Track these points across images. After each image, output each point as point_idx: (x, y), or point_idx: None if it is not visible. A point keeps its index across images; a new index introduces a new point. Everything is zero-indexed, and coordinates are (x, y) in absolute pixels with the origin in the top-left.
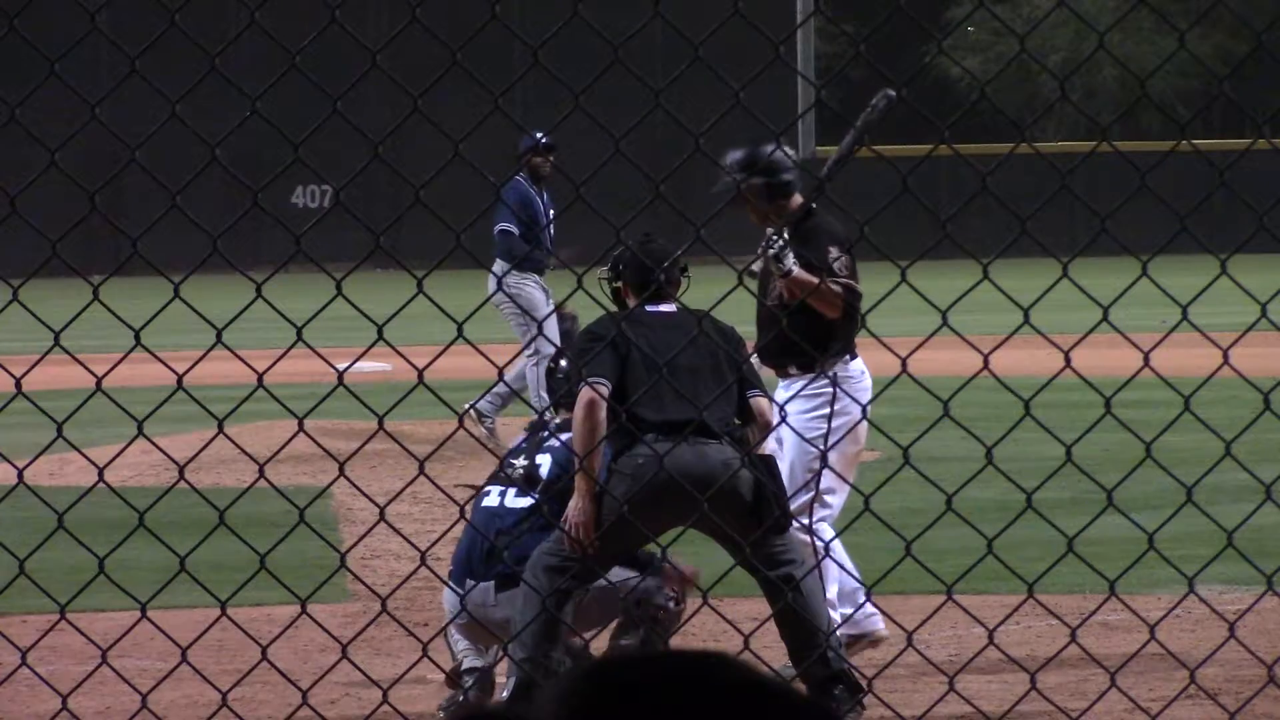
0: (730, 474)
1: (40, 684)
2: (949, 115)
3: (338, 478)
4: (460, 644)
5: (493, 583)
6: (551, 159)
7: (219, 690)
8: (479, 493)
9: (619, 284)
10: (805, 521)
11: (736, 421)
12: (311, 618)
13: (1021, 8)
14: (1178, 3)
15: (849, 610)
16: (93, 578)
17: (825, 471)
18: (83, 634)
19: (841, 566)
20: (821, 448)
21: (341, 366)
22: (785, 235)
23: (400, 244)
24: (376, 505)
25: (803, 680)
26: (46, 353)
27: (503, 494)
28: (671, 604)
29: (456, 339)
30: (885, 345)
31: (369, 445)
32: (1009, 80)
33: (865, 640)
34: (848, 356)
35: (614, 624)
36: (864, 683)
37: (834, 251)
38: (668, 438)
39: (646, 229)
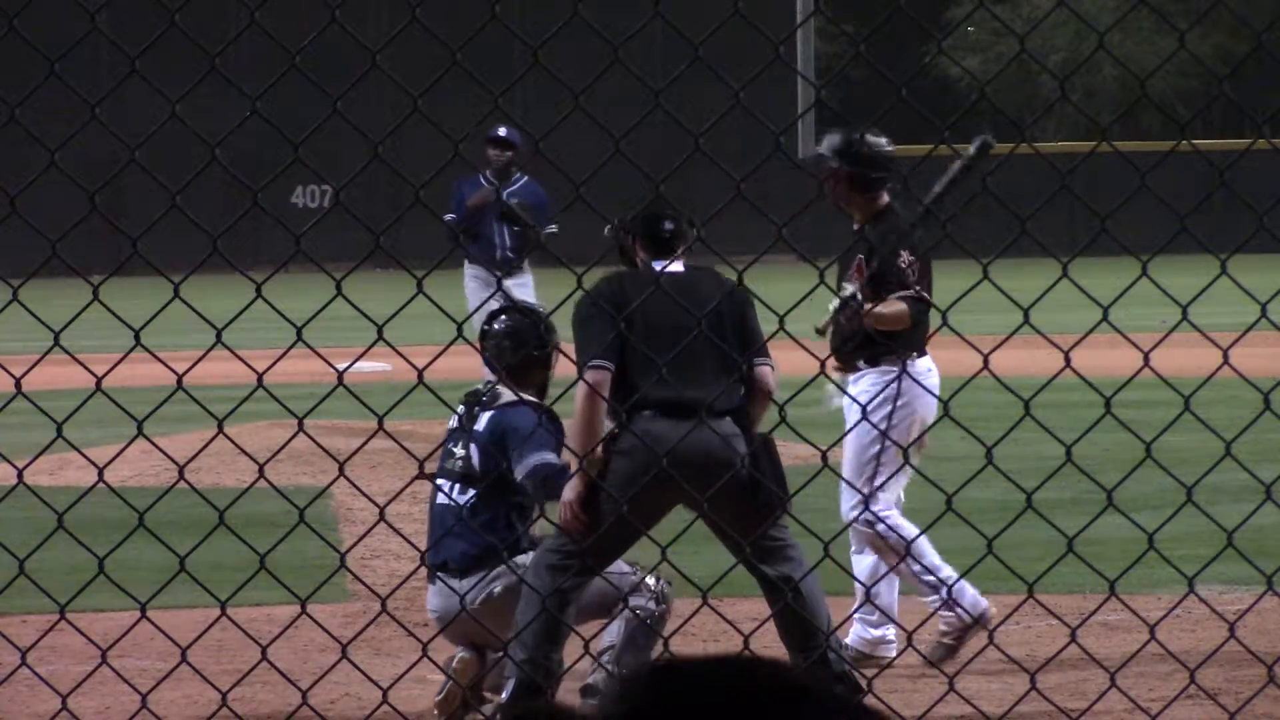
0: (730, 451)
1: (40, 684)
2: (949, 115)
3: (338, 478)
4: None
5: (453, 580)
6: (505, 153)
7: (219, 690)
8: (435, 483)
9: (628, 239)
10: (871, 515)
11: (741, 391)
12: (311, 618)
13: (1021, 8)
14: (1178, 3)
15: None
16: (93, 578)
17: (883, 468)
18: (83, 634)
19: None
20: (878, 447)
21: (341, 366)
22: (858, 293)
23: (400, 244)
24: (376, 505)
25: None
26: (46, 353)
27: (450, 489)
28: (652, 604)
29: (456, 339)
30: (885, 345)
31: (369, 445)
32: (1009, 80)
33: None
34: (915, 353)
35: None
36: (864, 683)
37: (905, 257)
38: (666, 416)
39: None
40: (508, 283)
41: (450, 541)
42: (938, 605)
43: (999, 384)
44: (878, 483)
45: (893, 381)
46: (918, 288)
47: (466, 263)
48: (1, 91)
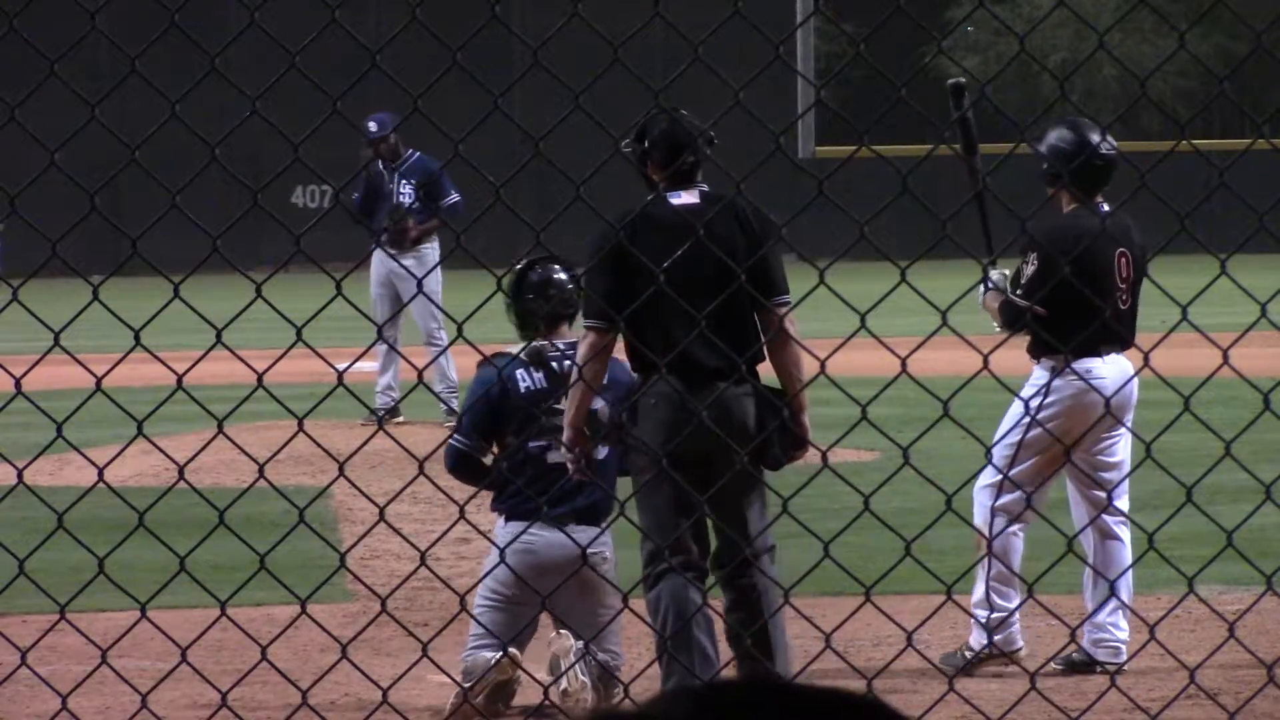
0: (739, 414)
1: (40, 684)
2: (949, 115)
3: (338, 478)
4: (478, 630)
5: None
6: (382, 145)
7: (219, 690)
8: (523, 438)
9: (644, 159)
10: (989, 504)
11: (759, 340)
12: (311, 618)
13: (1021, 8)
14: (1178, 3)
15: (1003, 604)
16: (93, 578)
17: (1018, 462)
18: (83, 634)
19: (1002, 562)
20: (1018, 436)
21: (341, 366)
22: (991, 274)
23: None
24: (376, 505)
25: None
26: (46, 353)
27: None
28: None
29: (455, 339)
30: (885, 345)
31: (369, 445)
32: (1009, 80)
33: (1001, 653)
34: (1070, 355)
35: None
36: (865, 683)
37: (1030, 262)
38: (676, 376)
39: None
40: (390, 266)
41: (582, 493)
42: (980, 629)
43: (999, 384)
44: (1012, 473)
45: (1040, 381)
46: (1017, 295)
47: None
48: (1, 91)
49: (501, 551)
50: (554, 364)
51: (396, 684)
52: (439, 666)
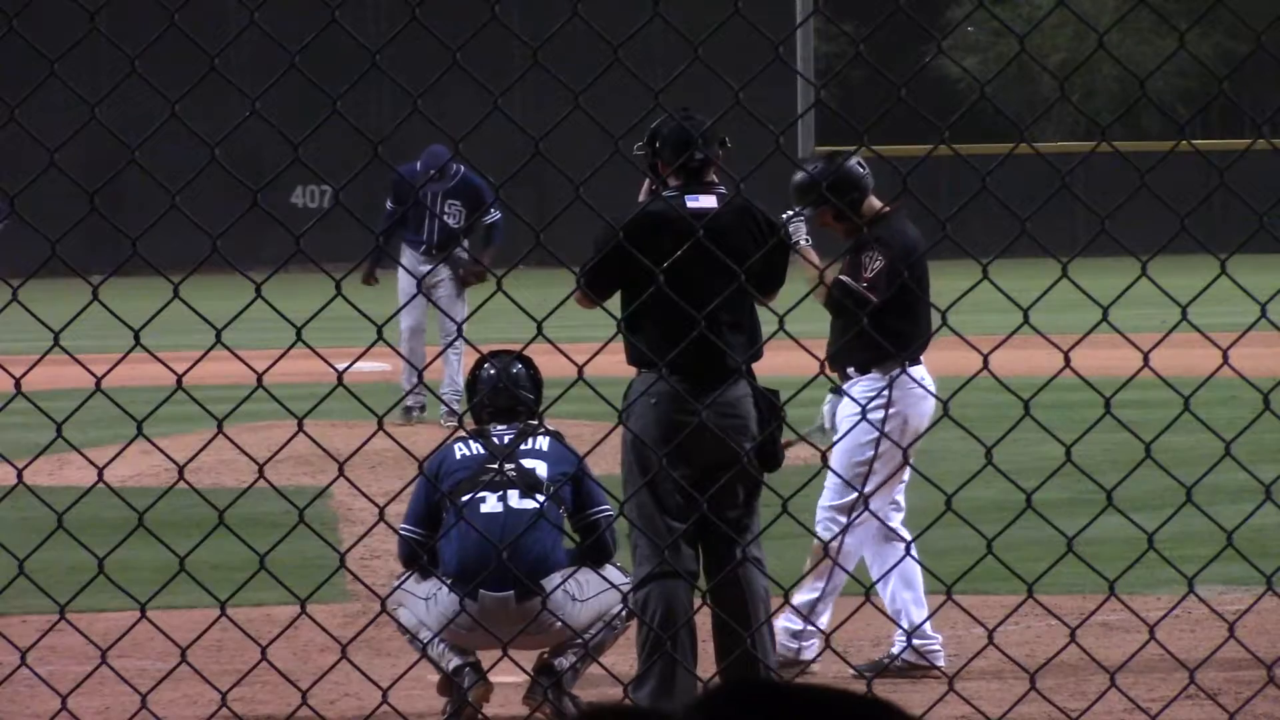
0: (741, 416)
1: (40, 684)
2: (949, 115)
3: (337, 478)
4: (445, 652)
5: (512, 592)
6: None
7: (219, 690)
8: (457, 496)
9: (656, 160)
10: (844, 521)
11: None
12: (311, 618)
13: (1021, 8)
14: (1178, 3)
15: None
16: (92, 578)
17: (874, 474)
18: (83, 634)
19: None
20: (871, 451)
21: (341, 366)
22: (799, 211)
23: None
24: (376, 505)
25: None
26: (46, 353)
27: (503, 498)
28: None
29: (456, 339)
30: (885, 345)
31: (369, 445)
32: (1009, 80)
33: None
34: (906, 363)
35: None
36: (865, 684)
37: (874, 264)
38: (679, 375)
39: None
40: (429, 282)
41: (527, 543)
42: (901, 642)
43: (999, 384)
44: (868, 489)
45: (882, 389)
46: (865, 286)
47: (404, 248)
48: (1, 91)
49: (461, 601)
50: (494, 439)
51: (396, 684)
52: (438, 667)
